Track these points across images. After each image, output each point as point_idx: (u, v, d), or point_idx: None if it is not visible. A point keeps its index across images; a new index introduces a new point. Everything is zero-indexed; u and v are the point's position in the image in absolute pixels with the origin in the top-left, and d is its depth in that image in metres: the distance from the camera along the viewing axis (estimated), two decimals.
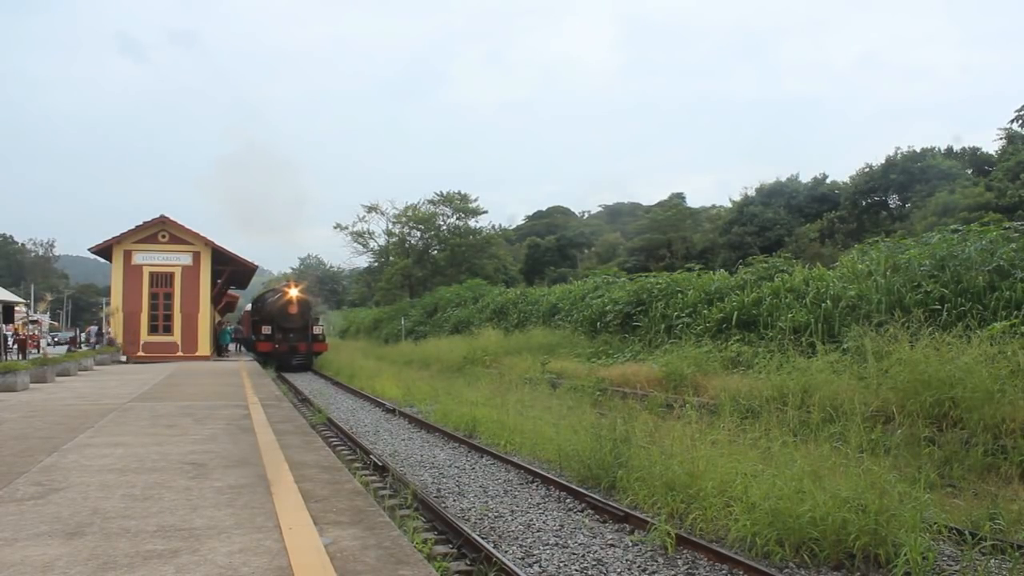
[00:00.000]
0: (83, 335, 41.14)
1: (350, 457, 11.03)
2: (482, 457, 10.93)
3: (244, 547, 3.79)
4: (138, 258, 28.46)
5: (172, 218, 28.75)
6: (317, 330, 32.31)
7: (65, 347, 38.90)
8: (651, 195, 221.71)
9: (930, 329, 10.56)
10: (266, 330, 30.49)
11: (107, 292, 33.11)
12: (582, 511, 7.76)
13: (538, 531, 7.08)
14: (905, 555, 5.48)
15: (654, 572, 5.91)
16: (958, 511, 6.97)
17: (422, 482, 9.29)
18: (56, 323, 75.01)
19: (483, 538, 6.67)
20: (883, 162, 44.34)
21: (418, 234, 51.46)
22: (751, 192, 51.77)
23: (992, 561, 5.75)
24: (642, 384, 14.39)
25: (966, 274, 12.15)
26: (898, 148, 45.59)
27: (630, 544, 6.59)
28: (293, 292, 31.09)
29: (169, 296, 28.72)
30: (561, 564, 6.14)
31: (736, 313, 16.29)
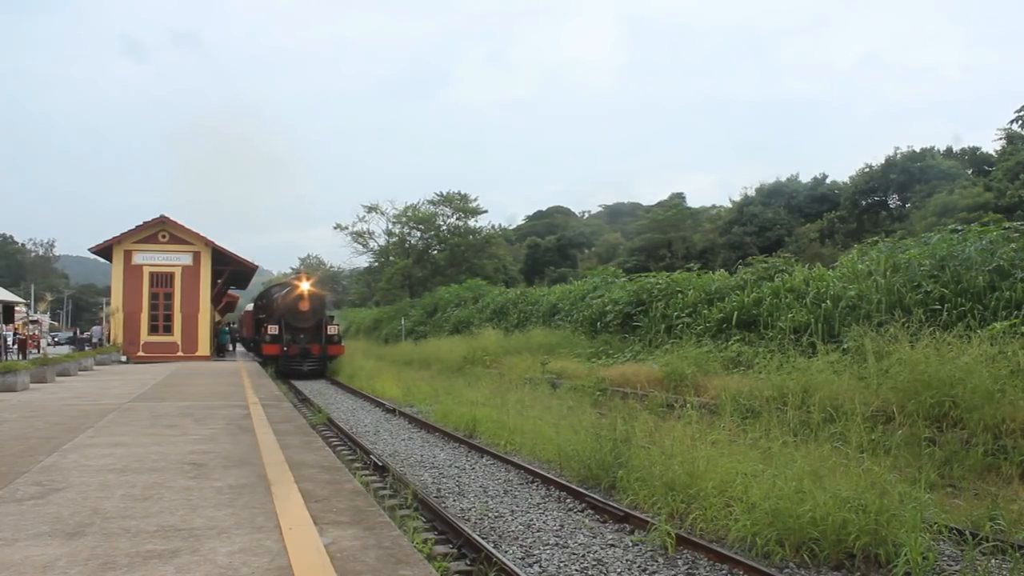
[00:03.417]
0: (87, 334, 41.18)
1: (350, 457, 11.03)
2: (482, 457, 10.93)
3: (244, 547, 3.79)
4: (138, 258, 28.43)
5: (172, 218, 28.76)
6: (332, 330, 27.91)
7: (66, 347, 38.97)
8: (651, 195, 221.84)
9: (930, 329, 10.55)
10: (273, 330, 26.66)
11: (107, 292, 33.06)
12: (582, 511, 7.76)
13: (538, 531, 7.08)
14: (905, 555, 5.48)
15: (654, 572, 5.91)
16: (958, 511, 6.97)
17: (422, 482, 9.28)
18: (56, 323, 75.07)
19: (483, 538, 6.67)
20: (883, 162, 44.35)
21: (418, 234, 51.43)
22: (751, 192, 51.87)
23: (992, 561, 5.75)
24: (642, 384, 14.37)
25: (966, 274, 12.15)
26: (898, 148, 45.64)
27: (630, 544, 6.59)
28: (304, 286, 27.22)
29: (169, 296, 28.69)
30: (561, 564, 6.14)
31: (736, 313, 16.28)
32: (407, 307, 44.03)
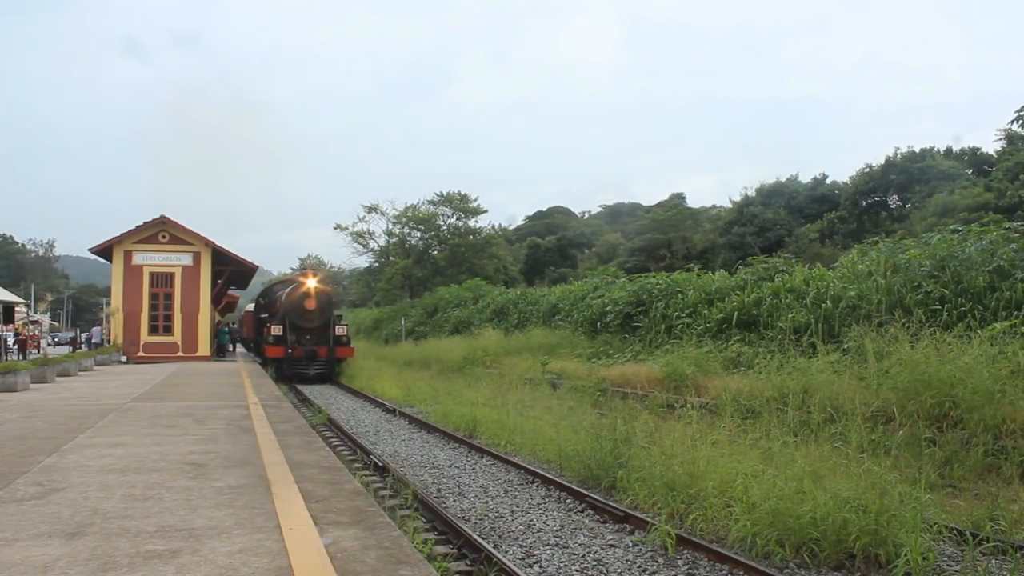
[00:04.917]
0: (84, 335, 41.17)
1: (350, 457, 11.03)
2: (482, 457, 10.93)
3: (244, 547, 3.79)
4: (138, 258, 28.43)
5: (172, 218, 28.77)
6: (340, 331, 25.89)
7: (67, 347, 38.97)
8: (652, 195, 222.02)
9: (930, 329, 10.55)
10: (276, 330, 24.77)
11: (107, 292, 33.04)
12: (582, 511, 7.76)
13: (538, 531, 7.08)
14: (905, 555, 5.48)
15: (654, 572, 5.91)
16: (958, 511, 6.97)
17: (422, 482, 9.28)
18: (56, 323, 75.05)
19: (483, 538, 6.66)
20: (883, 162, 44.35)
21: (418, 234, 51.45)
22: (751, 192, 51.83)
23: (992, 561, 5.75)
24: (642, 384, 14.37)
25: (966, 274, 12.15)
26: (898, 148, 45.62)
27: (630, 544, 6.59)
28: (311, 283, 25.49)
29: (169, 296, 28.68)
30: (561, 564, 6.13)
31: (736, 313, 16.28)
32: (407, 307, 44.02)
